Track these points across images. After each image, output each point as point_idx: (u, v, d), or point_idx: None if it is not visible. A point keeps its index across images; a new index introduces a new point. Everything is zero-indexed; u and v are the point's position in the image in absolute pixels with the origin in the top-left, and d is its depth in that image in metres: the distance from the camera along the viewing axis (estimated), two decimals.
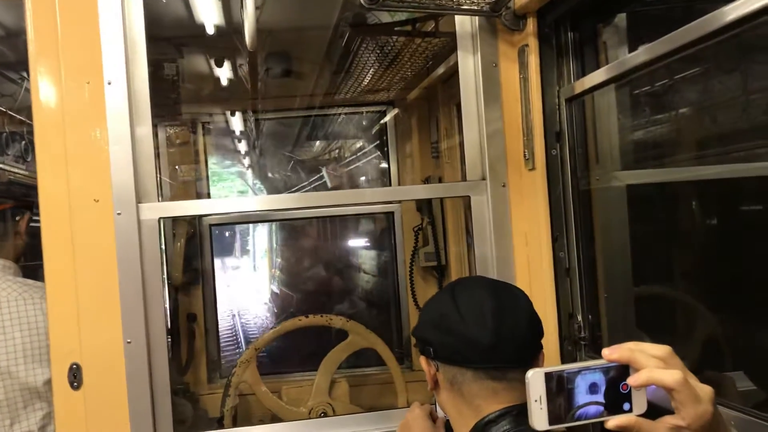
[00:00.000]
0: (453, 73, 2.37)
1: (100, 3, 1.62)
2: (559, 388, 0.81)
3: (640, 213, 1.78)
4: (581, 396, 0.82)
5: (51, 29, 1.60)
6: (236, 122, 3.91)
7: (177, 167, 3.32)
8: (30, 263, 2.34)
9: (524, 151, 1.72)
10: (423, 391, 2.56)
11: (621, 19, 1.67)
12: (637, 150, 1.83)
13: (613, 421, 0.79)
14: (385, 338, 2.65)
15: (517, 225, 1.74)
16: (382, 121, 3.49)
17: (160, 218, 1.65)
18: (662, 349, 0.80)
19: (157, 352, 1.64)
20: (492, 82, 1.74)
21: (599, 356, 0.83)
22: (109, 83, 1.62)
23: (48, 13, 1.60)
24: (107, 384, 1.60)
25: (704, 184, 1.63)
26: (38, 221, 1.62)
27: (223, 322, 6.21)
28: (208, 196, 3.46)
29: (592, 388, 0.82)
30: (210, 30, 2.58)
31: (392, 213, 3.26)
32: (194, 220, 3.10)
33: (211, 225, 3.24)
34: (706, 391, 0.78)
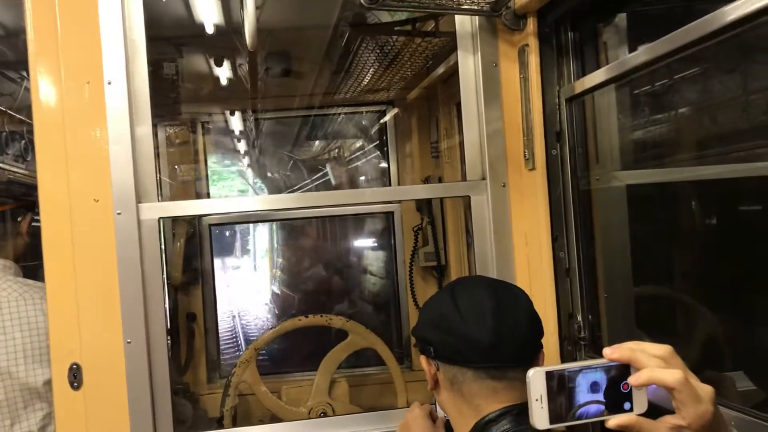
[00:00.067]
0: (453, 73, 2.37)
1: (100, 3, 1.62)
2: (560, 387, 0.81)
3: (640, 213, 1.78)
4: (582, 395, 0.82)
5: (51, 29, 1.60)
6: (236, 122, 3.91)
7: (176, 167, 3.32)
8: (30, 263, 2.34)
9: (524, 151, 1.72)
10: (423, 391, 2.56)
11: (621, 19, 1.67)
12: (637, 150, 1.83)
13: (613, 420, 0.79)
14: (385, 338, 2.66)
15: (517, 225, 1.74)
16: (381, 121, 3.49)
17: (160, 218, 1.65)
18: (663, 349, 0.80)
19: (157, 352, 1.64)
20: (492, 82, 1.74)
21: (599, 356, 0.83)
22: (109, 83, 1.62)
23: (48, 12, 1.60)
24: (107, 384, 1.60)
25: (704, 184, 1.63)
26: (39, 221, 1.62)
27: (223, 324, 6.21)
28: (208, 195, 3.46)
29: (593, 387, 0.82)
30: (209, 30, 2.58)
31: (392, 213, 3.26)
32: (194, 220, 3.10)
33: (210, 225, 3.25)
34: (706, 390, 0.79)
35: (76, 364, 1.59)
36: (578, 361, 1.64)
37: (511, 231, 1.74)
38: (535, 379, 0.81)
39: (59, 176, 1.60)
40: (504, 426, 1.16)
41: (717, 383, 0.82)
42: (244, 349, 2.59)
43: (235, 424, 2.50)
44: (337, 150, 4.81)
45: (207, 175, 3.41)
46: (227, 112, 3.67)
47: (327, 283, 4.61)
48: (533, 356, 1.24)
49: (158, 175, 1.67)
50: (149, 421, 1.61)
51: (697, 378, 0.80)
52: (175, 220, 2.96)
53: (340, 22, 2.39)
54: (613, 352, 0.81)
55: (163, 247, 2.93)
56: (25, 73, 3.34)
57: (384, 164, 3.52)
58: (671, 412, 0.79)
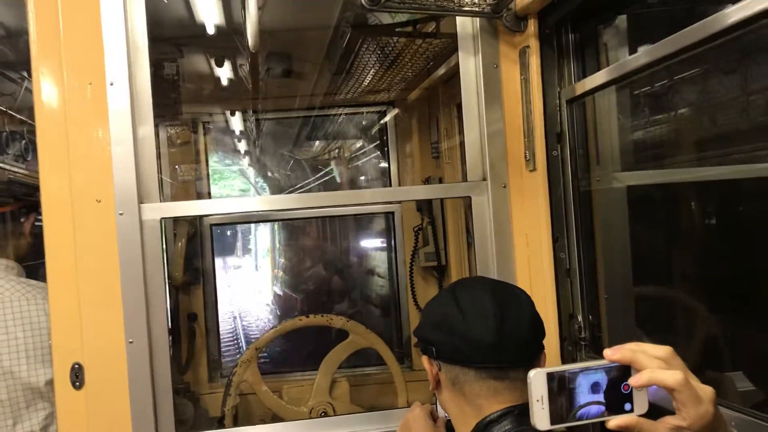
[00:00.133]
0: (453, 74, 2.38)
1: (103, 4, 1.62)
2: (560, 387, 0.82)
3: (640, 214, 1.79)
4: (583, 396, 0.82)
5: (53, 30, 1.61)
6: (237, 122, 3.91)
7: (177, 167, 3.33)
8: (31, 263, 2.34)
9: (525, 152, 1.73)
10: (423, 391, 2.57)
11: (621, 20, 1.68)
12: (637, 151, 1.83)
13: (614, 421, 0.80)
14: (386, 338, 2.66)
15: (517, 225, 1.75)
16: (382, 121, 3.50)
17: (162, 218, 1.66)
18: (664, 350, 0.81)
19: (159, 352, 1.64)
20: (493, 83, 1.75)
21: (599, 356, 0.83)
22: (112, 84, 1.62)
23: (50, 13, 1.61)
24: (109, 384, 1.61)
25: (704, 186, 1.63)
26: (41, 221, 1.63)
27: (224, 325, 6.21)
28: (209, 195, 3.47)
29: (594, 388, 0.82)
30: (210, 30, 2.58)
31: (392, 213, 3.26)
32: (195, 220, 3.11)
33: (212, 225, 3.25)
34: (707, 391, 0.79)
35: (78, 363, 1.60)
36: (579, 361, 1.65)
37: (512, 231, 1.75)
38: (536, 379, 0.82)
39: (62, 177, 1.60)
40: (505, 426, 1.17)
41: (717, 383, 0.83)
42: (245, 351, 2.60)
43: (236, 424, 2.51)
44: (337, 150, 4.81)
45: (208, 175, 3.41)
46: (228, 112, 3.68)
47: (328, 282, 4.62)
48: (535, 357, 1.24)
49: (159, 175, 1.68)
50: (151, 420, 1.62)
51: (697, 379, 0.81)
52: (176, 220, 2.97)
53: (340, 23, 2.40)
54: (613, 353, 0.81)
55: (164, 247, 2.93)
56: (25, 74, 3.35)
57: (384, 164, 3.52)
58: (672, 412, 0.79)
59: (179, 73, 2.75)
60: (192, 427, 2.63)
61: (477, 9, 1.66)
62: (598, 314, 1.71)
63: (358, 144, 4.33)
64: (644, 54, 1.36)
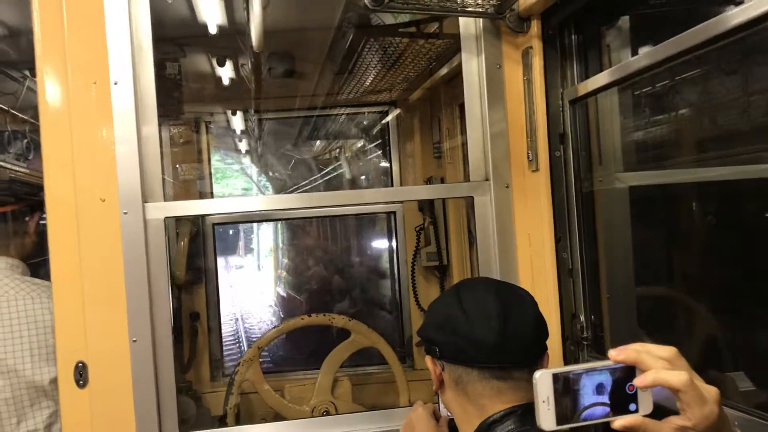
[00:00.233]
0: (456, 74, 2.38)
1: (107, 3, 1.62)
2: (566, 388, 0.82)
3: (642, 214, 1.79)
4: (588, 397, 0.82)
5: (58, 30, 1.61)
6: (239, 121, 3.92)
7: (178, 166, 3.33)
8: (33, 260, 2.35)
9: (528, 153, 1.73)
10: (425, 390, 2.58)
11: (624, 21, 1.68)
12: (639, 152, 1.84)
13: (619, 421, 0.80)
14: (387, 337, 2.67)
15: (520, 226, 1.75)
16: (384, 121, 3.50)
17: (166, 218, 1.66)
18: (668, 351, 0.81)
19: (163, 351, 1.65)
20: (496, 84, 1.75)
21: (602, 356, 0.84)
22: (116, 83, 1.62)
23: (55, 13, 1.61)
24: (113, 382, 1.61)
25: (706, 186, 1.64)
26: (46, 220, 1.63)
27: (226, 327, 6.20)
28: (211, 194, 3.47)
29: (599, 389, 0.83)
30: (213, 30, 2.59)
31: (394, 213, 3.27)
32: (197, 219, 3.11)
33: (214, 224, 3.25)
34: (711, 392, 0.79)
35: (81, 362, 1.60)
36: (582, 361, 1.66)
37: (514, 232, 1.75)
38: (542, 380, 0.82)
39: (66, 176, 1.61)
40: (508, 426, 1.17)
41: (718, 383, 0.83)
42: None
43: (238, 423, 2.51)
44: (338, 150, 4.82)
45: (210, 174, 3.42)
46: (229, 112, 3.68)
47: (330, 282, 4.63)
48: (538, 357, 1.25)
49: (163, 175, 1.68)
50: (154, 418, 1.62)
51: (701, 379, 0.81)
52: (178, 219, 2.97)
53: (342, 23, 2.40)
54: (618, 354, 0.82)
55: (167, 246, 2.93)
56: (27, 72, 3.35)
57: (386, 163, 3.53)
58: (676, 412, 0.80)
59: (181, 72, 2.76)
60: (194, 426, 2.63)
61: (480, 10, 1.66)
62: (600, 314, 1.71)
63: (360, 143, 4.34)
64: (647, 55, 1.37)
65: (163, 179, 1.69)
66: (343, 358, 2.57)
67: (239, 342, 6.66)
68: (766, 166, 1.40)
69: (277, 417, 2.53)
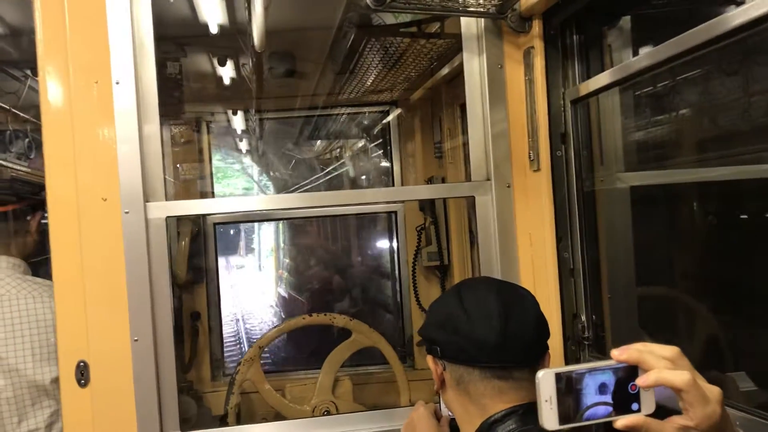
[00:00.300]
0: (457, 74, 2.38)
1: (109, 3, 1.62)
2: (568, 388, 0.82)
3: (643, 214, 1.79)
4: (590, 396, 0.83)
5: (60, 29, 1.61)
6: (240, 121, 3.92)
7: (179, 165, 3.33)
8: (34, 259, 2.35)
9: (529, 152, 1.73)
10: (425, 390, 2.58)
11: (626, 22, 1.68)
12: (641, 152, 1.84)
13: (621, 421, 0.80)
14: (388, 337, 2.67)
15: (521, 225, 1.75)
16: (384, 121, 3.50)
17: (168, 217, 1.66)
18: (671, 350, 0.81)
19: (164, 350, 1.65)
20: (497, 84, 1.75)
21: (603, 356, 0.84)
22: (117, 83, 1.63)
23: (57, 13, 1.61)
24: (114, 381, 1.61)
25: (708, 186, 1.64)
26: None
27: (226, 328, 6.18)
28: (212, 194, 3.47)
29: (601, 389, 0.83)
30: (214, 30, 2.59)
31: (395, 212, 3.27)
32: (198, 219, 3.11)
33: (215, 223, 3.25)
34: (714, 392, 0.79)
35: (83, 361, 1.60)
36: (583, 361, 1.66)
37: (516, 231, 1.75)
38: (545, 380, 0.82)
39: (67, 175, 1.61)
40: (510, 426, 1.17)
41: (719, 383, 0.83)
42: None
43: (238, 422, 2.51)
44: (339, 150, 4.82)
45: (211, 174, 3.42)
46: (230, 112, 3.68)
47: (331, 282, 4.63)
48: (539, 357, 1.25)
49: (164, 174, 1.68)
50: (156, 418, 1.63)
51: (704, 379, 0.81)
52: (179, 218, 2.97)
53: (343, 23, 2.40)
54: (621, 354, 0.82)
55: (168, 245, 2.93)
56: (28, 72, 3.35)
57: (387, 163, 3.53)
58: (678, 411, 0.80)
59: (182, 72, 2.76)
60: (195, 425, 2.63)
61: (482, 10, 1.66)
62: (601, 314, 1.71)
63: (361, 143, 4.34)
64: (648, 55, 1.37)
65: (164, 179, 1.70)
66: (344, 358, 2.57)
67: (240, 343, 6.65)
68: (767, 166, 1.41)
69: (278, 416, 2.53)
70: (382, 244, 4.03)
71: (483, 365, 1.20)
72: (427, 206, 3.05)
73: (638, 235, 1.74)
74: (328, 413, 2.47)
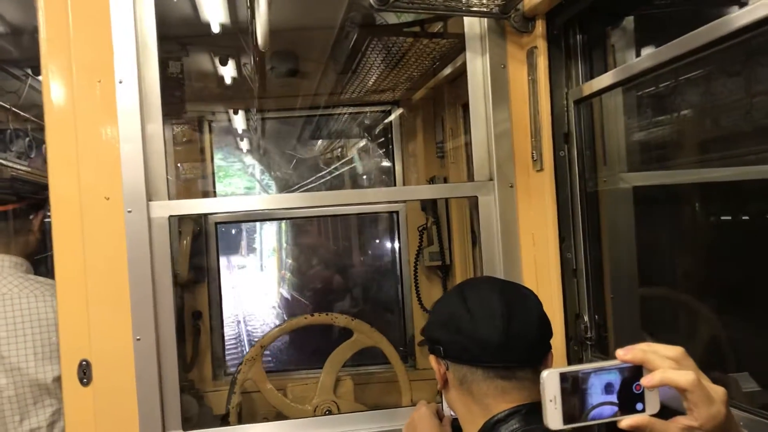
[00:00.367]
0: (459, 74, 2.38)
1: (112, 2, 1.63)
2: (573, 388, 0.82)
3: (646, 215, 1.79)
4: (595, 396, 0.83)
5: (63, 28, 1.61)
6: (242, 120, 3.92)
7: (180, 165, 3.33)
8: (40, 256, 2.35)
9: (532, 152, 1.73)
10: (427, 390, 2.58)
11: (629, 22, 1.68)
12: (644, 152, 1.84)
13: (626, 421, 0.80)
14: (390, 337, 2.67)
15: (524, 225, 1.75)
16: (386, 121, 3.50)
17: (170, 216, 1.66)
18: (675, 350, 0.81)
19: (166, 349, 1.65)
20: (500, 84, 1.75)
21: (606, 356, 0.84)
22: (121, 82, 1.63)
23: (60, 12, 1.61)
24: (116, 380, 1.61)
25: (711, 187, 1.64)
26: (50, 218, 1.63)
27: (228, 329, 6.17)
28: (214, 193, 3.47)
29: (606, 389, 0.83)
30: (215, 29, 2.59)
31: (396, 212, 3.27)
32: (200, 218, 3.11)
33: (217, 223, 3.25)
34: (718, 392, 0.79)
35: (85, 360, 1.60)
36: (586, 361, 1.66)
37: (519, 231, 1.75)
38: (550, 380, 0.82)
39: (70, 174, 1.61)
40: (513, 425, 1.17)
41: (721, 384, 0.83)
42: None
43: (240, 421, 2.51)
44: (341, 149, 4.82)
45: (213, 173, 3.42)
46: (232, 111, 3.68)
47: (332, 282, 4.62)
48: (542, 357, 1.25)
49: (167, 173, 1.68)
50: (158, 417, 1.63)
51: (708, 379, 0.81)
52: (181, 218, 2.97)
53: (345, 22, 2.40)
54: (625, 354, 0.82)
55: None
56: (29, 71, 3.35)
57: (389, 163, 3.53)
58: (683, 412, 0.80)
59: (184, 71, 2.76)
60: (197, 425, 2.63)
61: (485, 9, 1.66)
62: (604, 314, 1.71)
63: (363, 143, 4.33)
64: (652, 56, 1.37)
65: (167, 178, 1.70)
66: (346, 358, 2.57)
67: (242, 345, 6.63)
68: None
69: (280, 416, 2.53)
70: (384, 244, 4.03)
71: (486, 365, 1.20)
72: (428, 206, 3.05)
73: (641, 236, 1.74)
74: (330, 413, 2.47)
